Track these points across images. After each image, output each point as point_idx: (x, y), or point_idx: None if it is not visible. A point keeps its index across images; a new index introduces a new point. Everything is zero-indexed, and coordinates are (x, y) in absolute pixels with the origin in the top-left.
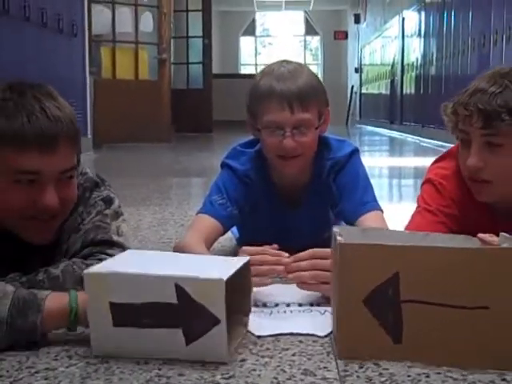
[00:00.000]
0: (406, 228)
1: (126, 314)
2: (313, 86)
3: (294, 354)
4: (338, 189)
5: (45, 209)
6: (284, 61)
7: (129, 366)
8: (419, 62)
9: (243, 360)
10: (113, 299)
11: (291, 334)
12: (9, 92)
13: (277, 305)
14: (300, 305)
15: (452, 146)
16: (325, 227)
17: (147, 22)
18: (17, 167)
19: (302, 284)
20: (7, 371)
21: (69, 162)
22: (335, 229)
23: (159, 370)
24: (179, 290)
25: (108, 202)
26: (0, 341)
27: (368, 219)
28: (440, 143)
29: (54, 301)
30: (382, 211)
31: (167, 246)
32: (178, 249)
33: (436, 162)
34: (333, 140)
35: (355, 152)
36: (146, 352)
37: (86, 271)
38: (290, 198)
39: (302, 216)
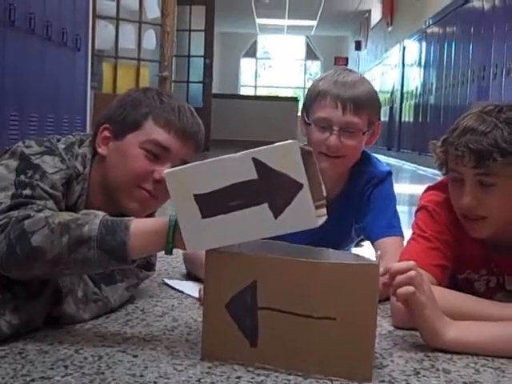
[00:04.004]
0: (401, 255)
1: (211, 203)
2: (369, 95)
3: (290, 374)
4: (369, 203)
5: (159, 180)
6: (347, 69)
7: (124, 378)
8: (418, 90)
9: (238, 377)
10: (197, 191)
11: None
12: (166, 97)
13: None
14: None
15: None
16: (346, 241)
17: (150, 39)
18: (154, 139)
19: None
20: (2, 378)
21: (189, 158)
22: None
23: (155, 383)
24: (257, 164)
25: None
26: (91, 260)
27: (387, 242)
28: (437, 171)
29: (143, 222)
30: (403, 238)
31: (161, 260)
32: (189, 257)
33: (429, 189)
34: (373, 156)
35: (391, 173)
36: (238, 236)
37: (166, 171)
38: None
39: (327, 228)
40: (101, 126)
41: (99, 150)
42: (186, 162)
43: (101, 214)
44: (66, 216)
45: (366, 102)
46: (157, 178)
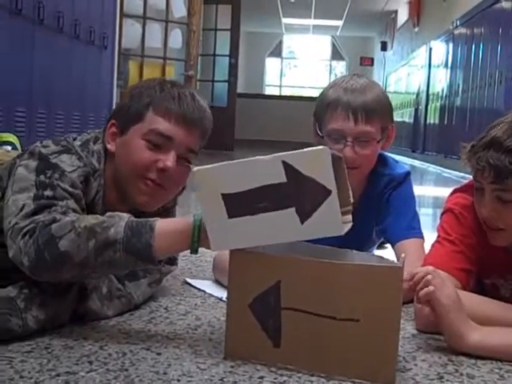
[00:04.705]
0: (425, 257)
1: (239, 204)
2: (379, 102)
3: (312, 375)
4: (388, 205)
5: (163, 168)
6: (355, 74)
7: (148, 375)
8: (445, 92)
9: (261, 377)
10: (225, 190)
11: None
12: (168, 85)
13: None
14: None
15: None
16: (368, 244)
17: (176, 38)
18: (155, 129)
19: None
20: (29, 372)
21: (196, 144)
22: None
23: (178, 380)
24: (287, 167)
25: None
26: (118, 262)
27: (407, 244)
28: (462, 174)
29: (167, 222)
30: (423, 240)
31: (186, 260)
32: (220, 258)
33: (456, 191)
34: (390, 158)
35: (409, 174)
36: (263, 238)
37: (195, 168)
38: None
39: (349, 232)
40: (109, 122)
41: (108, 147)
42: (191, 150)
43: (125, 215)
44: (92, 219)
45: (376, 109)
46: (161, 167)
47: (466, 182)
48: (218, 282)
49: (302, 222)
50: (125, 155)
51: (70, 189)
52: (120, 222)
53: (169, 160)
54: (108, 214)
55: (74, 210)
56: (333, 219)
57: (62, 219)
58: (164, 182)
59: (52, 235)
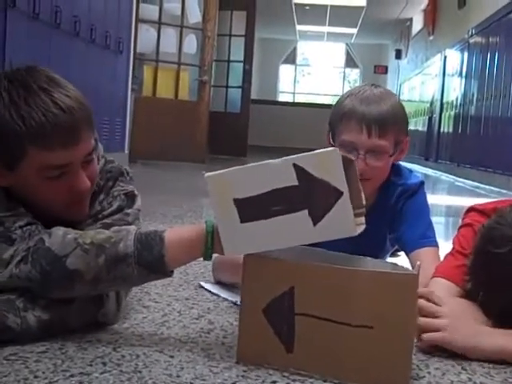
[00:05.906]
0: (437, 269)
1: (251, 208)
2: (394, 114)
3: (325, 381)
4: (402, 215)
5: (81, 193)
6: (373, 84)
7: (161, 377)
8: (459, 101)
9: (274, 382)
10: (236, 195)
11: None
12: (12, 87)
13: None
14: None
15: (492, 200)
16: (381, 253)
17: (191, 44)
18: (47, 164)
19: None
20: (43, 372)
21: (90, 144)
22: None
23: None
24: (298, 170)
25: (131, 198)
26: (131, 276)
27: (422, 253)
28: (475, 183)
29: (177, 232)
30: (438, 248)
31: (198, 263)
32: (220, 259)
33: (473, 210)
34: (404, 167)
35: (423, 184)
36: (276, 242)
37: (207, 175)
38: None
39: (362, 241)
40: None
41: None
42: (89, 153)
43: (132, 228)
44: (98, 235)
45: (391, 123)
46: (77, 193)
47: (485, 203)
48: (224, 285)
49: (315, 224)
50: (31, 193)
51: (10, 212)
52: (128, 235)
53: (81, 183)
54: (114, 228)
55: (35, 223)
56: (345, 220)
57: (65, 237)
58: (86, 194)
59: (56, 255)
